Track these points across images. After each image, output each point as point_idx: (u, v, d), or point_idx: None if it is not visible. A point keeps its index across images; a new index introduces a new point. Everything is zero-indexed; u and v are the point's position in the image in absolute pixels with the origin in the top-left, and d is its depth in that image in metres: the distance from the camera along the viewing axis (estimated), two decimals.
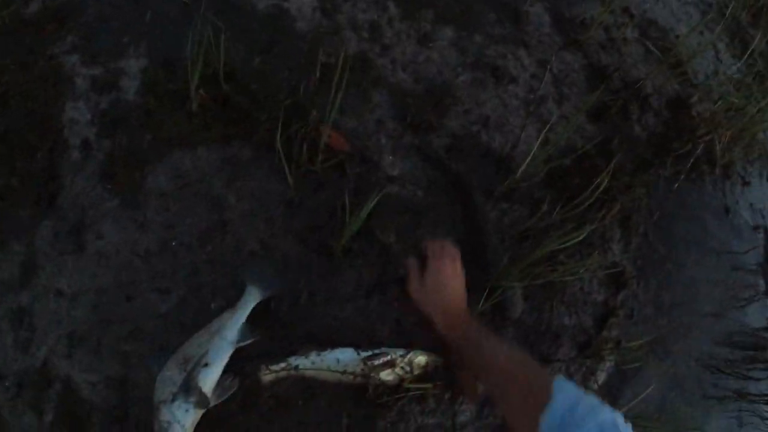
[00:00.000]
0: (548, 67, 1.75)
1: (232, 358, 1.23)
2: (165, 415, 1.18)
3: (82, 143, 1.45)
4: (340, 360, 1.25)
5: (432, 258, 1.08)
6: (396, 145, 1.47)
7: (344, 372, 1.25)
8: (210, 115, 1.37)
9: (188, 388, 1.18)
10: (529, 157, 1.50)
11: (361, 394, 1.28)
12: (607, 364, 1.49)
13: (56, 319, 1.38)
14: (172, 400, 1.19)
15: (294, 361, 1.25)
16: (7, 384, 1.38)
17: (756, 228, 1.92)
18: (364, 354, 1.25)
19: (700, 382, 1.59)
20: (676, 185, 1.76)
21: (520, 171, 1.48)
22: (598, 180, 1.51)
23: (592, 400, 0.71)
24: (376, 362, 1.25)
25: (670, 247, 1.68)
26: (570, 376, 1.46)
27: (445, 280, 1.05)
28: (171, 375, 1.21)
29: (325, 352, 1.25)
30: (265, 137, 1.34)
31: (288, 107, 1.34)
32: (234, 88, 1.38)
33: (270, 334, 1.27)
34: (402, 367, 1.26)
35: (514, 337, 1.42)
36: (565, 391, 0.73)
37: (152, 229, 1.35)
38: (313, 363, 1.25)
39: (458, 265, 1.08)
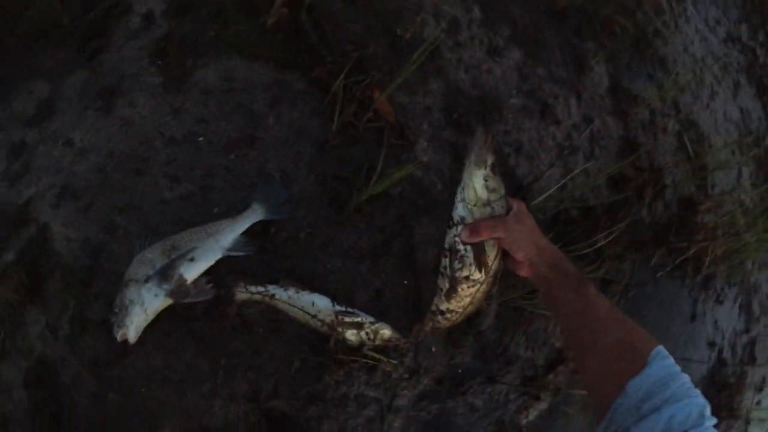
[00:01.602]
0: (591, 125, 1.83)
1: (214, 265, 1.24)
2: (132, 293, 1.17)
3: (146, 13, 1.44)
4: (315, 304, 1.28)
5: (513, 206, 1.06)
6: (435, 134, 1.51)
7: (314, 317, 1.28)
8: (280, 36, 1.38)
9: (166, 274, 1.18)
10: (546, 194, 1.57)
11: (320, 344, 1.30)
12: (542, 404, 1.55)
13: (56, 167, 1.35)
14: (145, 281, 1.18)
15: (273, 289, 1.27)
16: None
17: (712, 345, 2.01)
18: (338, 308, 1.29)
19: None
20: (659, 274, 1.84)
21: (536, 201, 1.54)
22: (596, 238, 1.58)
23: (686, 380, 0.69)
24: (347, 319, 1.29)
25: None
26: (506, 404, 1.51)
27: (530, 220, 1.04)
28: (152, 258, 1.20)
29: (304, 293, 1.28)
30: (323, 77, 1.36)
31: (355, 59, 1.37)
32: (310, 21, 1.40)
33: (259, 256, 1.28)
34: (367, 333, 1.30)
35: (471, 346, 1.46)
36: (663, 362, 0.70)
37: (185, 118, 1.35)
38: (289, 297, 1.27)
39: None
